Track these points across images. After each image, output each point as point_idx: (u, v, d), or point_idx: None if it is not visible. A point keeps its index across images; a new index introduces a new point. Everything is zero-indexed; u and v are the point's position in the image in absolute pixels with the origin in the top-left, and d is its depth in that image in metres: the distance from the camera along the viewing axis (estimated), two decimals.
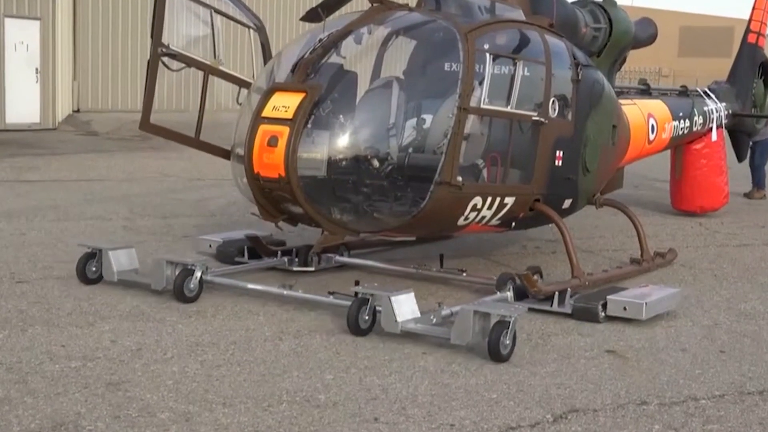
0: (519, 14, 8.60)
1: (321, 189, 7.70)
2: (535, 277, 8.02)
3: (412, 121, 8.22)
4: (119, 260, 8.11)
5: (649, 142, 11.16)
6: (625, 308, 7.62)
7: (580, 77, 8.68)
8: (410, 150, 8.00)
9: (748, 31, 14.90)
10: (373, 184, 7.79)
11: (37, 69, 23.28)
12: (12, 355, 6.20)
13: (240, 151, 7.79)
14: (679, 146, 13.13)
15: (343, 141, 7.70)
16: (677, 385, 6.21)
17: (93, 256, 8.18)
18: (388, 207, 7.87)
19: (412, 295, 7.06)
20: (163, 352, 6.37)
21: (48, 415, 5.22)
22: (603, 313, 7.66)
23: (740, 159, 15.66)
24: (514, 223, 8.46)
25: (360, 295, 7.06)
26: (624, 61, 10.64)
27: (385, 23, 8.43)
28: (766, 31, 15.07)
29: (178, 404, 5.46)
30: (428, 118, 8.14)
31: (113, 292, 7.87)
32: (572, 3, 9.75)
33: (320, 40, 7.93)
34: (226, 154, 8.53)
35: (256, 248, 9.01)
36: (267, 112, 7.50)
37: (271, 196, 7.64)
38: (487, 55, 7.58)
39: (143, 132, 8.72)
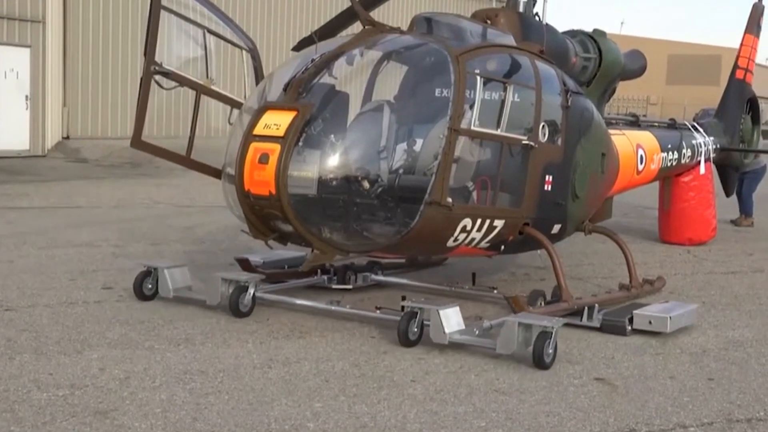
0: (510, 40, 8.68)
1: (311, 207, 7.75)
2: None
3: (403, 142, 8.28)
4: (174, 278, 8.53)
5: (638, 173, 11.22)
6: (650, 322, 8.11)
7: (569, 103, 8.75)
8: (401, 170, 8.04)
9: (736, 67, 15.06)
10: (363, 203, 7.84)
11: (27, 96, 23.32)
12: None
13: (231, 170, 7.84)
14: (668, 178, 13.23)
15: (334, 160, 7.75)
16: (666, 412, 6.21)
17: (149, 274, 8.53)
18: (378, 227, 7.91)
19: (457, 308, 7.47)
20: (151, 380, 6.35)
21: None
22: (630, 327, 8.08)
23: (728, 194, 15.75)
24: (503, 247, 8.49)
25: (409, 309, 7.39)
26: (614, 92, 10.73)
27: (377, 45, 8.48)
28: (753, 68, 15.20)
29: None
30: (419, 139, 8.20)
31: (101, 319, 7.85)
32: (562, 33, 9.82)
33: (312, 60, 7.98)
34: (216, 174, 8.58)
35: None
36: (258, 129, 7.56)
37: (261, 213, 7.68)
38: (478, 78, 7.65)
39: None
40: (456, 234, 7.83)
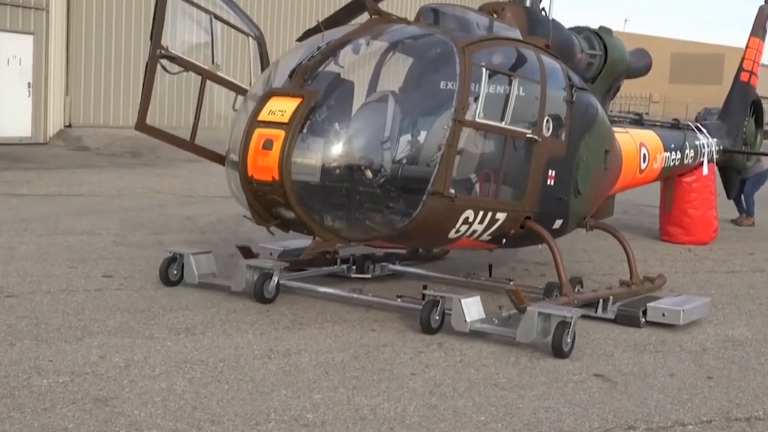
0: (516, 33, 8.68)
1: (314, 195, 7.75)
2: (577, 287, 8.82)
3: (408, 132, 8.28)
4: (200, 264, 8.68)
5: (641, 171, 11.20)
6: (663, 314, 8.33)
7: (574, 99, 8.73)
8: (404, 160, 8.05)
9: (740, 69, 15.04)
10: (366, 192, 7.84)
11: (29, 83, 23.32)
12: None
13: (234, 155, 7.85)
14: (670, 179, 13.23)
15: (337, 148, 7.75)
16: (665, 410, 6.21)
17: (174, 260, 8.66)
18: (380, 216, 7.93)
19: (478, 298, 7.70)
20: (151, 369, 6.35)
21: (35, 431, 5.19)
22: (643, 319, 8.31)
23: (729, 196, 15.76)
24: (504, 240, 8.49)
25: (430, 298, 7.57)
26: (618, 89, 10.71)
27: (383, 35, 8.47)
28: (758, 70, 15.20)
29: (165, 421, 5.44)
30: (423, 129, 8.20)
31: (102, 307, 7.86)
32: (569, 29, 9.80)
33: (318, 48, 7.98)
34: (220, 159, 8.60)
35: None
36: (263, 115, 7.58)
37: (264, 199, 7.69)
38: (484, 69, 7.64)
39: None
40: (458, 225, 7.83)
